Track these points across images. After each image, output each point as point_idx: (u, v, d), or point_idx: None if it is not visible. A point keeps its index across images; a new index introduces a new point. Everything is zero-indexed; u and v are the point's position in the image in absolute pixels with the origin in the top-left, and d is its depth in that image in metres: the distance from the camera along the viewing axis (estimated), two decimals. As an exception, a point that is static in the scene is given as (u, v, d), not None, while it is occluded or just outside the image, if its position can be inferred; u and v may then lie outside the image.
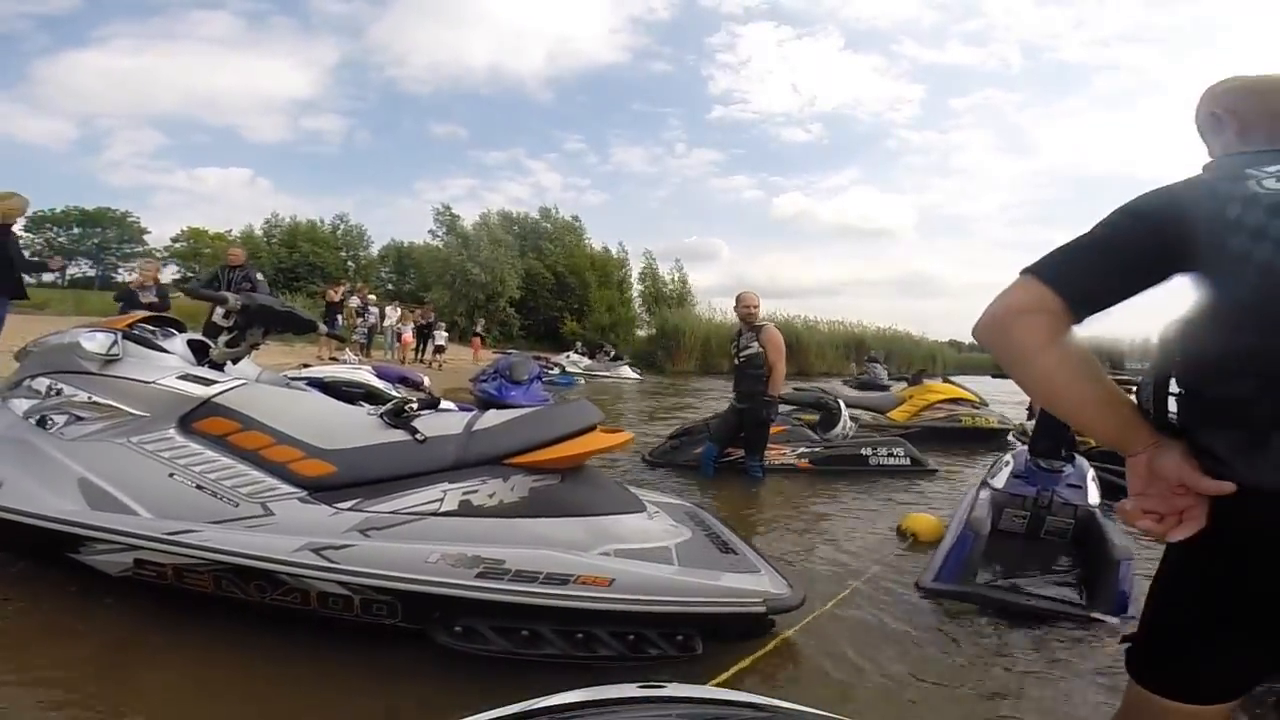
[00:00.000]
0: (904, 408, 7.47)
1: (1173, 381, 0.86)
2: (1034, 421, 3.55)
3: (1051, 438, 3.07)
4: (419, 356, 14.44)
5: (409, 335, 14.62)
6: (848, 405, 6.82)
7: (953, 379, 9.02)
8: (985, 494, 2.95)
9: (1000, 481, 3.00)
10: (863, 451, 5.08)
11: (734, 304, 4.73)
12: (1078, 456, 3.15)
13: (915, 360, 28.48)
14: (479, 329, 18.37)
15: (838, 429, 5.32)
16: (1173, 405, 0.86)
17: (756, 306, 4.61)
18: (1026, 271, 0.84)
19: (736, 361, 4.58)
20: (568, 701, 0.69)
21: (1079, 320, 0.82)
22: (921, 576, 2.59)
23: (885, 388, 9.22)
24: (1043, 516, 2.82)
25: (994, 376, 10.08)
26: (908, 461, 5.13)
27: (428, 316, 15.59)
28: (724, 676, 1.68)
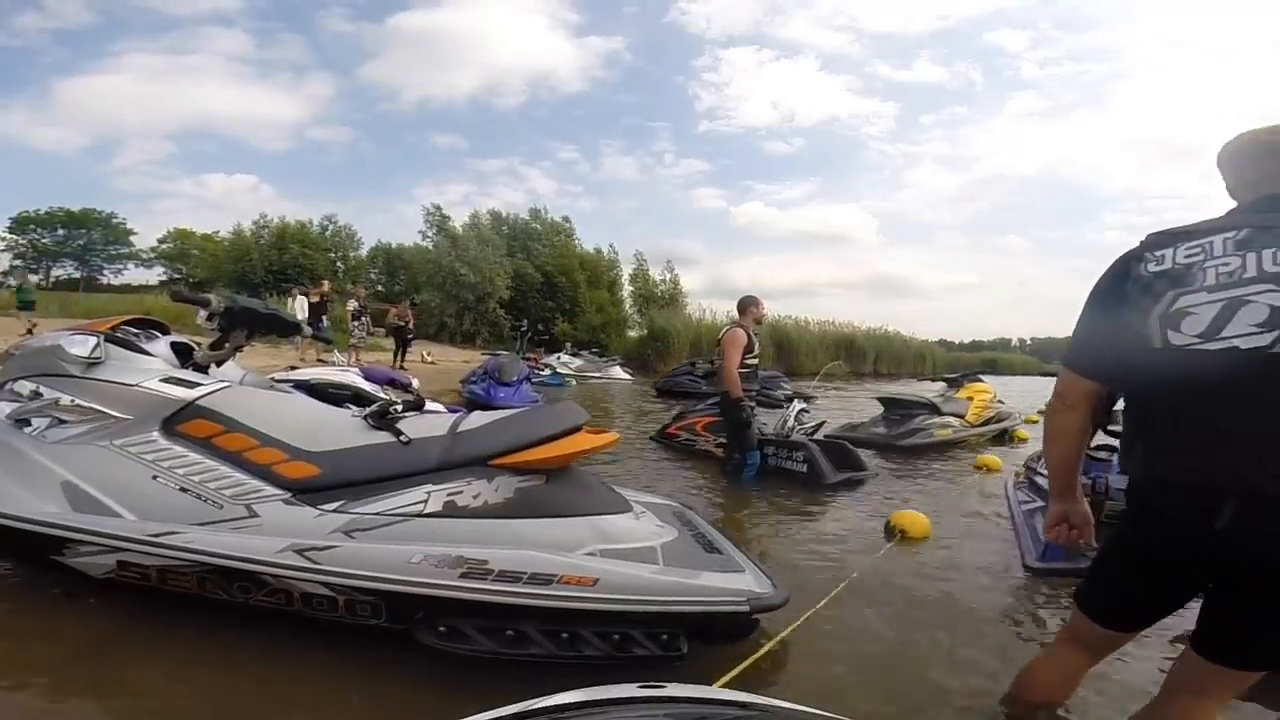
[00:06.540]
0: (973, 409, 7.03)
1: None
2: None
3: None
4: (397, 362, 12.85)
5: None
6: (944, 413, 6.68)
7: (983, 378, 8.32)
8: (1043, 482, 3.09)
9: None
10: (765, 450, 4.82)
11: (745, 307, 4.64)
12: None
13: (906, 360, 28.62)
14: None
15: (776, 423, 5.37)
16: None
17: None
18: None
19: (756, 364, 4.58)
20: (567, 701, 0.69)
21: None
22: (1025, 558, 2.97)
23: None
24: (1101, 502, 2.97)
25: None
26: (804, 469, 4.62)
27: (404, 317, 13.64)
28: (726, 678, 1.69)
